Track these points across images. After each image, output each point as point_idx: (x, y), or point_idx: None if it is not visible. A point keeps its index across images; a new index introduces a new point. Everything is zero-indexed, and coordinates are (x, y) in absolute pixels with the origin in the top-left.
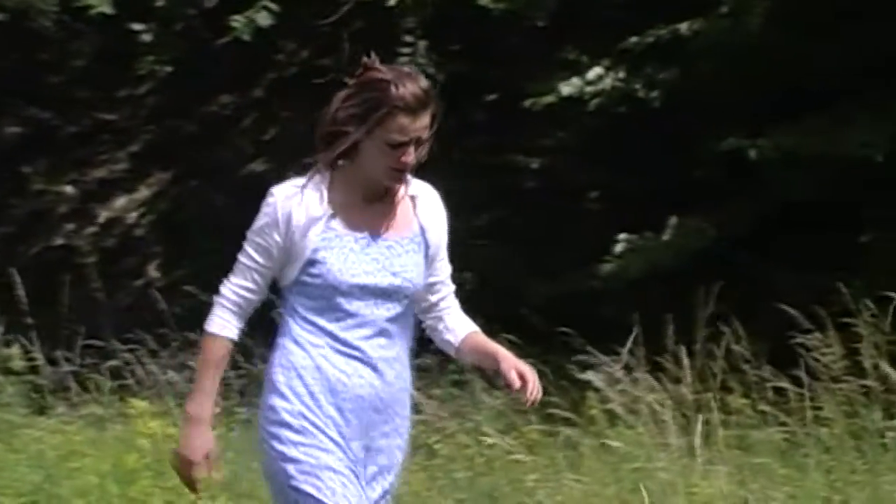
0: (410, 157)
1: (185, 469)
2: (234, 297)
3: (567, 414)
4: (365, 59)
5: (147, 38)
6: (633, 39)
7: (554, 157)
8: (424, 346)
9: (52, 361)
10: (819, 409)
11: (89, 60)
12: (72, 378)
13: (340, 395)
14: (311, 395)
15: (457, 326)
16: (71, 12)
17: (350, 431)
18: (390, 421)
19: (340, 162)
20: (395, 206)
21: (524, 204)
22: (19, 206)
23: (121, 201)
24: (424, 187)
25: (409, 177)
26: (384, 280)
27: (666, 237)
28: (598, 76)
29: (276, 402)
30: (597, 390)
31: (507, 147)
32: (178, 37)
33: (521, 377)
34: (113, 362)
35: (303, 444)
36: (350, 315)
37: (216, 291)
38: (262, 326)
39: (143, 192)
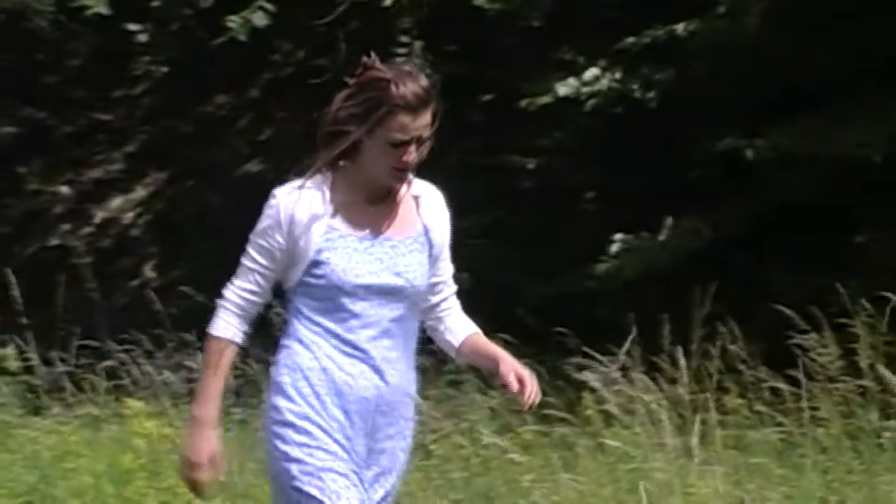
0: (412, 155)
1: (189, 471)
2: (237, 300)
3: (563, 414)
4: (365, 58)
5: (143, 38)
6: (630, 40)
7: (550, 157)
8: (420, 346)
9: (48, 362)
10: (815, 409)
11: (85, 60)
12: (67, 378)
13: (346, 397)
14: (317, 396)
15: (458, 327)
16: (67, 12)
17: (355, 433)
18: (395, 423)
19: (342, 162)
20: (398, 205)
21: (520, 204)
22: (15, 207)
23: (116, 201)
24: (427, 187)
25: (411, 176)
26: (388, 280)
27: (662, 237)
28: (594, 77)
29: (282, 402)
30: (593, 390)
31: (503, 147)
32: (173, 37)
33: (520, 381)
34: (108, 362)
35: (307, 446)
36: (354, 316)
37: (212, 292)
38: (259, 327)
39: (139, 193)
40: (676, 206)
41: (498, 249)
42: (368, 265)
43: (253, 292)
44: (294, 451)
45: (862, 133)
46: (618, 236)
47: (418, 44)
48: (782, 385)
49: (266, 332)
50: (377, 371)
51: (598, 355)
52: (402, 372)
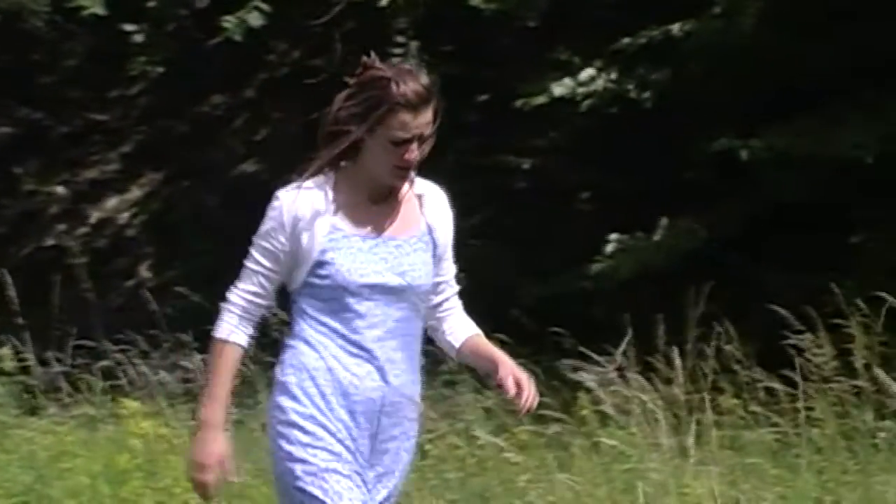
0: (414, 154)
1: (196, 473)
2: (241, 303)
3: (558, 414)
4: (365, 58)
5: (139, 38)
6: (626, 40)
7: (545, 157)
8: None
9: (44, 362)
10: (811, 409)
11: (81, 61)
12: (63, 378)
13: (352, 398)
14: (323, 396)
15: (459, 328)
16: (63, 13)
17: (360, 434)
18: (399, 424)
19: (344, 163)
20: (401, 204)
21: (515, 204)
22: (10, 207)
23: (112, 202)
24: (431, 187)
25: (414, 175)
26: (393, 280)
27: (657, 237)
28: (590, 77)
29: (287, 402)
30: (588, 391)
31: (499, 147)
32: (169, 37)
33: (517, 385)
34: (104, 363)
35: (311, 446)
36: (360, 316)
37: (207, 292)
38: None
39: (135, 193)
40: (672, 207)
41: (493, 249)
42: (373, 265)
43: (257, 294)
44: (298, 452)
45: (857, 134)
46: (613, 236)
47: (414, 44)
48: (777, 385)
49: (262, 332)
50: (381, 371)
51: (593, 355)
52: (405, 373)
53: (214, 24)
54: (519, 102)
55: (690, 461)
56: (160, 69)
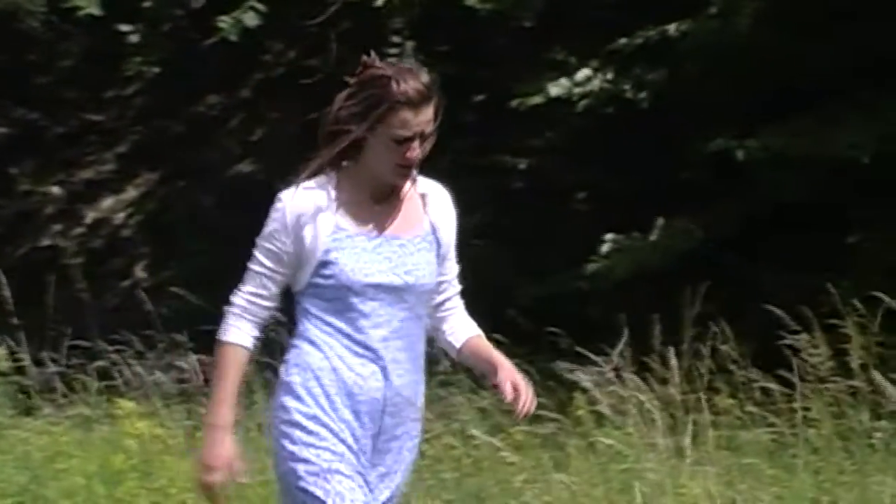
0: (415, 152)
1: (205, 476)
2: (245, 305)
3: (554, 414)
4: (365, 57)
5: (134, 38)
6: (622, 40)
7: (541, 157)
8: None
9: (39, 362)
10: (807, 409)
11: (77, 61)
12: (58, 379)
13: (356, 398)
14: (327, 396)
15: (460, 328)
16: (59, 13)
17: (363, 434)
18: (403, 424)
19: (345, 162)
20: (404, 204)
21: (511, 204)
22: (6, 207)
23: (108, 202)
24: (434, 186)
25: (416, 174)
26: (397, 279)
27: (653, 238)
28: (586, 77)
29: (291, 402)
30: (584, 391)
31: (495, 147)
32: (165, 37)
33: (515, 389)
34: (100, 363)
35: (314, 446)
36: (364, 315)
37: (203, 292)
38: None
39: (130, 193)
40: (668, 207)
41: (489, 249)
42: (377, 264)
43: (261, 296)
44: (301, 451)
45: (854, 134)
46: (609, 236)
47: (410, 44)
48: (773, 385)
49: (262, 334)
50: (385, 371)
51: (590, 355)
52: (409, 373)
53: (210, 24)
54: (515, 102)
55: (687, 461)
56: (156, 69)
